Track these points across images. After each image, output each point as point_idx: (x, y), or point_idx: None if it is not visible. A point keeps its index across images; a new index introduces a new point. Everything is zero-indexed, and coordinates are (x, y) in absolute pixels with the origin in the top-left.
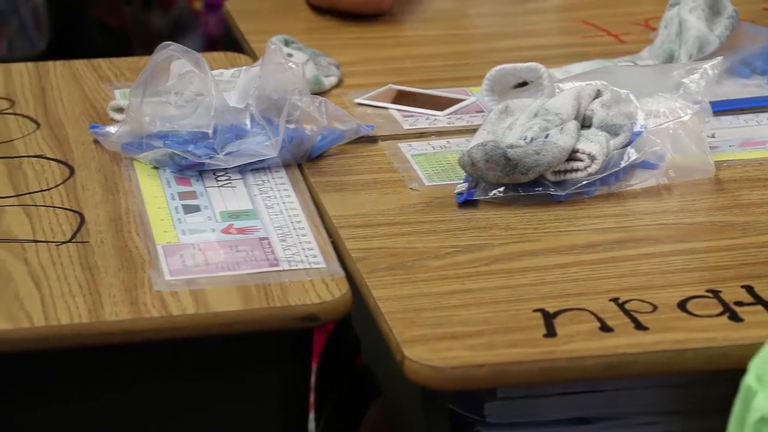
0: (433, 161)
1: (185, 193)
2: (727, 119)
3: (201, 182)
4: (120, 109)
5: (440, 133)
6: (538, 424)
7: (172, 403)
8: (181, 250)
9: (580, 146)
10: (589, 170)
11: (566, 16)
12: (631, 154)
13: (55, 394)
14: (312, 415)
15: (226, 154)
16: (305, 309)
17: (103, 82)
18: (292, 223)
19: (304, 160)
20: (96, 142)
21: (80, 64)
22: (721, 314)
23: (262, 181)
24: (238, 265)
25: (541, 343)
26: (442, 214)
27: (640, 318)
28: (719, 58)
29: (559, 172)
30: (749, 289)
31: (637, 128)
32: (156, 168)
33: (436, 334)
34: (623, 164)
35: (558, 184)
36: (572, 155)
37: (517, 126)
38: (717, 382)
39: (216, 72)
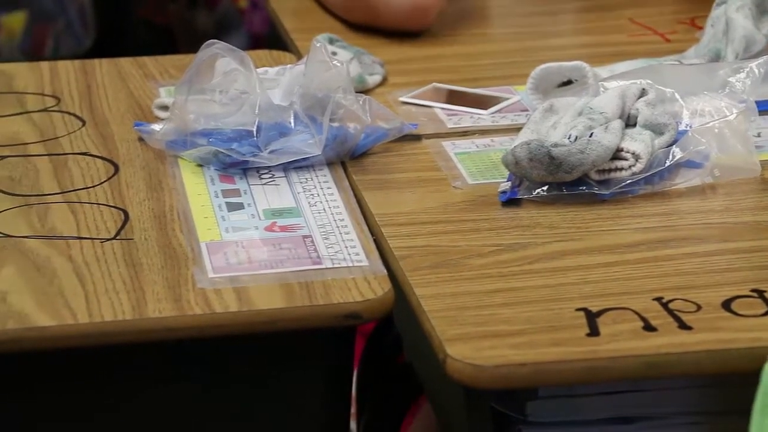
0: (476, 160)
1: (229, 190)
2: None
3: (245, 180)
4: (165, 107)
5: (484, 132)
6: (580, 423)
7: (214, 402)
8: (224, 248)
9: (625, 145)
10: (634, 169)
11: (612, 14)
12: (676, 153)
13: (96, 391)
14: (353, 413)
15: (270, 152)
16: (348, 307)
17: (148, 80)
18: (335, 221)
19: (347, 158)
20: (141, 139)
21: (126, 62)
22: (765, 314)
23: (306, 179)
24: (281, 262)
25: (584, 342)
26: (485, 213)
27: (684, 318)
28: (766, 57)
29: (604, 171)
30: None
31: (682, 127)
32: (200, 166)
33: (478, 333)
34: (668, 163)
35: (602, 183)
36: (617, 154)
37: (562, 125)
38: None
39: (261, 70)
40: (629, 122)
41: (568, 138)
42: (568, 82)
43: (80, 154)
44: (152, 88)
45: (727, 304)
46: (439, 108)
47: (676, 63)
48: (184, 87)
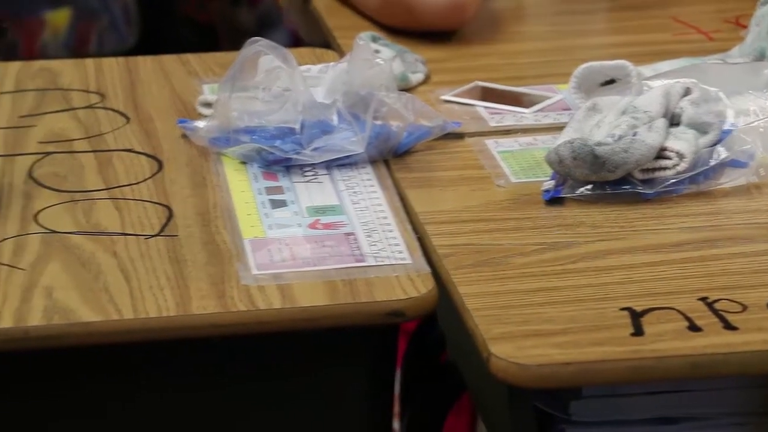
0: (519, 158)
1: (272, 188)
2: None
3: (288, 177)
4: (208, 104)
5: (527, 131)
6: (624, 423)
7: (256, 400)
8: (267, 245)
9: (669, 144)
10: (678, 168)
11: (656, 13)
12: (721, 152)
13: (137, 387)
14: (396, 412)
15: (312, 150)
16: (391, 305)
17: (191, 77)
18: (378, 218)
19: (390, 157)
20: (184, 136)
21: (169, 59)
22: None
23: (349, 176)
24: (325, 260)
25: (628, 341)
26: (528, 212)
27: (729, 318)
28: None
29: (647, 170)
30: None
31: (726, 126)
32: (243, 163)
33: (522, 332)
34: (712, 163)
35: (646, 182)
36: (660, 153)
37: (605, 123)
38: None
39: (303, 67)
40: (673, 121)
41: (612, 137)
42: (611, 81)
43: (124, 151)
44: (196, 85)
45: None
46: (482, 106)
47: (720, 62)
48: (227, 84)
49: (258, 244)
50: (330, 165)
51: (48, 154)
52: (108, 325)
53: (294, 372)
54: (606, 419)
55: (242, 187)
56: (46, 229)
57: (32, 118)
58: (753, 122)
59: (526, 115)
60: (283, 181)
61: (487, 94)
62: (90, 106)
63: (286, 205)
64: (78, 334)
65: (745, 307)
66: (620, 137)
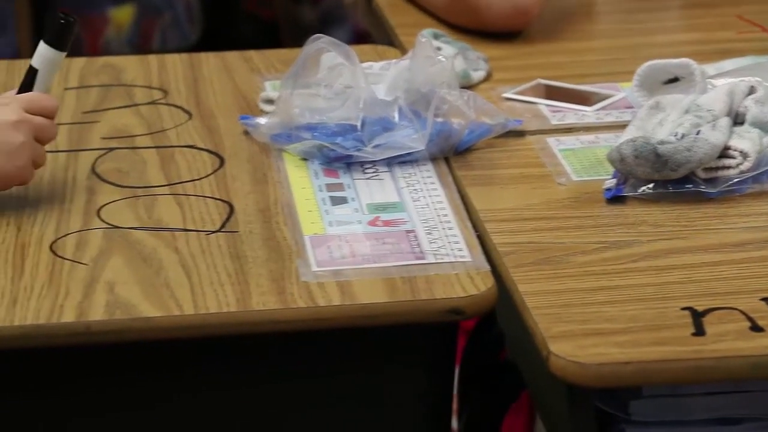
0: (581, 156)
1: (333, 184)
2: None
3: (348, 174)
4: (270, 101)
5: (589, 129)
6: (684, 423)
7: (314, 396)
8: (328, 242)
9: (733, 143)
10: (741, 168)
11: (720, 11)
12: None
13: (197, 383)
14: (455, 410)
15: (373, 147)
16: (451, 302)
17: (254, 74)
18: (438, 216)
19: (451, 154)
20: (246, 132)
21: (232, 56)
22: None
23: (409, 173)
24: (385, 257)
25: (690, 341)
26: (589, 210)
27: None
28: None
29: (710, 169)
30: None
31: None
32: (304, 159)
33: (582, 331)
34: None
35: (709, 181)
36: (724, 152)
37: (668, 122)
38: None
39: (365, 65)
40: (737, 120)
41: (675, 135)
42: (675, 80)
43: (187, 147)
44: (258, 82)
45: None
46: (543, 104)
47: None
48: (289, 81)
49: (318, 240)
50: (391, 162)
51: (111, 149)
52: (169, 321)
53: (353, 369)
54: (666, 419)
55: (303, 183)
56: (109, 224)
57: (96, 113)
58: None
59: (588, 113)
60: (343, 178)
61: (549, 92)
62: (153, 102)
63: (346, 202)
64: (139, 329)
65: None
66: (683, 136)
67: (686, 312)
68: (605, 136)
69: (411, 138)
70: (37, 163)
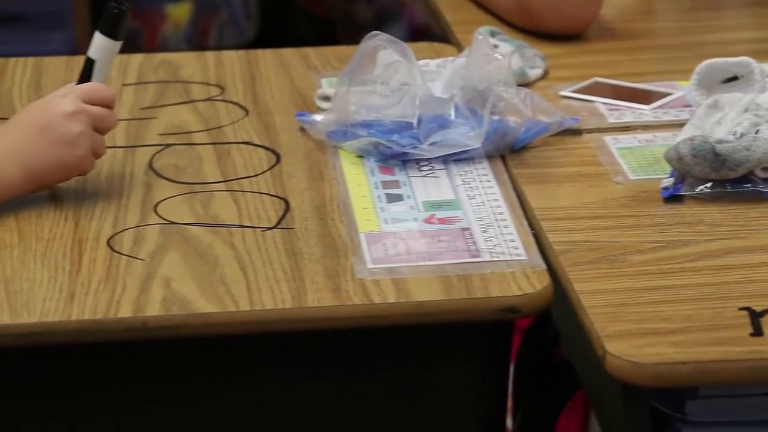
0: (638, 155)
1: (388, 182)
2: None
3: (404, 171)
4: (326, 98)
5: (646, 127)
6: (741, 423)
7: (369, 394)
8: (383, 239)
9: None
10: None
11: None
12: None
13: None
14: (509, 408)
15: (429, 144)
16: (506, 301)
17: (310, 71)
18: (494, 214)
19: (507, 152)
20: (302, 129)
21: (288, 53)
22: None
23: (465, 171)
24: (440, 255)
25: (747, 342)
26: (646, 209)
27: None
28: None
29: None
30: None
31: None
32: (360, 156)
33: (638, 330)
34: None
35: (767, 181)
36: None
37: (727, 121)
38: None
39: (422, 62)
40: None
41: (733, 134)
42: (734, 78)
43: (243, 143)
44: (314, 79)
45: None
46: (601, 102)
47: None
48: (345, 78)
49: (373, 237)
50: (446, 160)
51: (168, 145)
52: (225, 317)
53: (407, 366)
54: (723, 419)
55: (359, 180)
56: (166, 220)
57: (153, 110)
58: None
59: (645, 112)
60: (399, 176)
61: (607, 90)
62: (210, 99)
63: (402, 200)
64: (195, 325)
65: None
66: (742, 135)
67: (744, 312)
68: (663, 135)
69: (467, 136)
70: (96, 153)
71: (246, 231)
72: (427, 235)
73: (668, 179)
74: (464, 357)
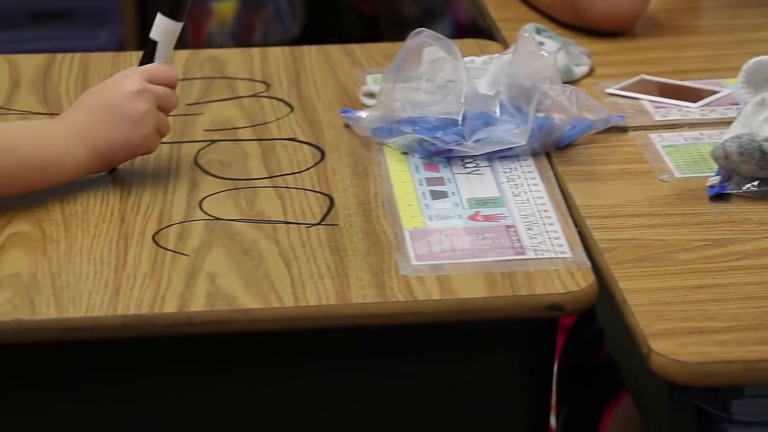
0: (684, 153)
1: (433, 179)
2: None
3: (449, 168)
4: (371, 95)
5: (692, 125)
6: None
7: (412, 391)
8: (427, 236)
9: None
10: None
11: None
12: None
13: (293, 375)
14: (553, 406)
15: (474, 141)
16: (551, 298)
17: (355, 68)
18: (538, 211)
19: (552, 149)
20: (347, 126)
21: (333, 49)
22: None
23: (510, 168)
24: (484, 252)
25: None
26: (692, 207)
27: None
28: None
29: None
30: None
31: None
32: (405, 153)
33: (683, 329)
34: None
35: None
36: None
37: None
38: None
39: (467, 59)
40: None
41: None
42: None
43: (288, 140)
44: (359, 76)
45: None
46: (647, 100)
47: None
48: (391, 75)
49: (418, 234)
50: (491, 157)
51: (213, 141)
52: (269, 313)
53: (451, 363)
54: None
55: (403, 177)
56: (211, 215)
57: (199, 105)
58: None
59: (692, 110)
60: (444, 173)
61: (653, 88)
62: (255, 95)
63: (446, 197)
64: (240, 321)
65: None
66: None
67: None
68: (709, 133)
69: (512, 133)
70: (161, 132)
71: (290, 227)
72: (472, 232)
73: (714, 177)
74: (508, 354)
